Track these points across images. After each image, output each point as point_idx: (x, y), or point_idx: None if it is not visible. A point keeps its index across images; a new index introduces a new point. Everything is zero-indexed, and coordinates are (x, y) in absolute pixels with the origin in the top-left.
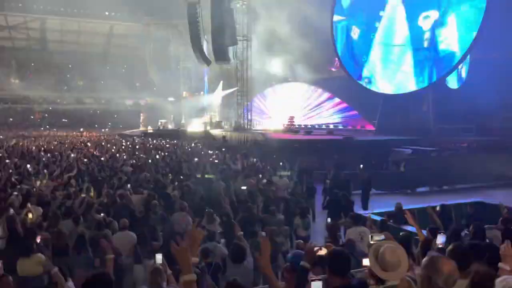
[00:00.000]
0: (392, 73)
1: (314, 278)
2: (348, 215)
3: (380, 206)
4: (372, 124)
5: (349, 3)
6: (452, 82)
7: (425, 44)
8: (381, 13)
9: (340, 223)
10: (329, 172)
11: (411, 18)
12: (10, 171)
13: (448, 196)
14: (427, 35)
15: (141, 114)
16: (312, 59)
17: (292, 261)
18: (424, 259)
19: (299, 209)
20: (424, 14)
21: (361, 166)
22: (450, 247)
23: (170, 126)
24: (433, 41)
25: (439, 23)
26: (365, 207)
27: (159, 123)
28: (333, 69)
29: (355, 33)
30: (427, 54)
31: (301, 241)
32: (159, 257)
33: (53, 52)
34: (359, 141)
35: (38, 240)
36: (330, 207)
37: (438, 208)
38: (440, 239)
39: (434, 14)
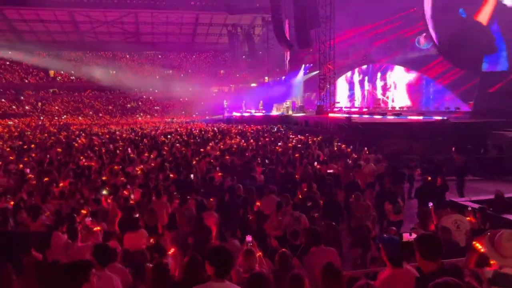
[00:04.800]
0: None
1: None
2: (441, 201)
3: (477, 193)
4: (469, 105)
5: None
6: None
7: None
8: None
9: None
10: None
11: None
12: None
13: None
14: None
15: (224, 101)
16: (398, 36)
17: (387, 246)
18: None
19: (388, 194)
20: None
21: (453, 149)
22: None
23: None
24: None
25: None
26: (460, 194)
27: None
28: (423, 47)
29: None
30: None
31: (394, 228)
32: (249, 240)
33: (145, 44)
34: (454, 124)
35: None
36: (422, 193)
37: None
38: None
39: None
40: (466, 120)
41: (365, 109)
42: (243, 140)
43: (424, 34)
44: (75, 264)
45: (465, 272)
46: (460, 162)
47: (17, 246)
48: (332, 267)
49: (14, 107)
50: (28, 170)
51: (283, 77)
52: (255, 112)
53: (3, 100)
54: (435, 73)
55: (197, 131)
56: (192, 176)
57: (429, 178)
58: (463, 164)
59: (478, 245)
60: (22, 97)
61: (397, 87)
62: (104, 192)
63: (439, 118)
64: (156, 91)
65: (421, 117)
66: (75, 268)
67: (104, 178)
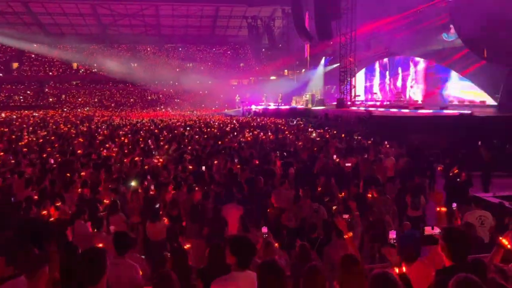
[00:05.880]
0: None
1: None
2: (464, 197)
3: (503, 189)
4: (495, 99)
5: None
6: None
7: None
8: None
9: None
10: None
11: None
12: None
13: None
14: None
15: (237, 95)
16: (421, 28)
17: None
18: None
19: (410, 188)
20: None
21: (479, 143)
22: None
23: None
24: None
25: None
26: (485, 190)
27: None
28: (449, 39)
29: None
30: None
31: (408, 223)
32: (264, 231)
33: (166, 36)
34: (479, 118)
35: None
36: (449, 189)
37: None
38: None
39: None
40: (492, 114)
41: (386, 103)
42: (262, 133)
43: (451, 25)
44: (90, 251)
45: (490, 268)
46: (487, 157)
47: (40, 233)
48: (351, 258)
49: (38, 99)
50: (52, 160)
51: (303, 70)
52: (275, 105)
53: (28, 92)
54: (459, 66)
55: (216, 123)
56: (203, 168)
57: (456, 170)
58: (490, 159)
59: (505, 241)
60: (46, 89)
61: (420, 80)
62: (133, 183)
63: (463, 112)
64: (176, 84)
65: (443, 111)
66: (93, 256)
67: (125, 169)
